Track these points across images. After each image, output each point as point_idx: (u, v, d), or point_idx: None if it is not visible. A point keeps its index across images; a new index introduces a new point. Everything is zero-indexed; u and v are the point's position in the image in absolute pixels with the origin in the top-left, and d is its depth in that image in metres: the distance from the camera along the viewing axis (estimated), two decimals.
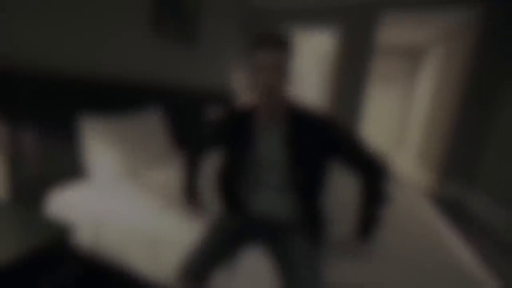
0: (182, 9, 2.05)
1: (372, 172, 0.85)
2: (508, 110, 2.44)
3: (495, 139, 2.57)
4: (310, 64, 5.03)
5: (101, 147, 1.30)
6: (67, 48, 1.31)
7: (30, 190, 1.16)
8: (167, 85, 1.98)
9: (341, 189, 1.35)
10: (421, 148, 4.10)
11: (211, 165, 1.18)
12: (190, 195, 1.09)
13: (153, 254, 1.00)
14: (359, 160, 0.86)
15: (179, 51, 2.16)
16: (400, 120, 5.38)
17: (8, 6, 1.04)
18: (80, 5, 1.33)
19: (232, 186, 0.97)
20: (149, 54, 1.85)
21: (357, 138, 0.89)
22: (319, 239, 0.88)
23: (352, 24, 3.09)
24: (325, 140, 0.86)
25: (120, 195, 1.17)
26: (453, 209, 2.66)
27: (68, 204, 1.15)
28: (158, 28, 1.86)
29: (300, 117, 0.89)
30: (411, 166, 4.34)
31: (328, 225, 0.93)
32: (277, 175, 0.90)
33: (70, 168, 1.31)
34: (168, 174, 1.46)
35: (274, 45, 0.81)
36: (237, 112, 0.99)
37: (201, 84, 2.53)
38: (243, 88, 3.41)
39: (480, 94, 2.71)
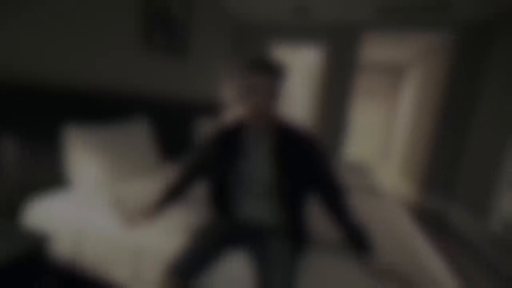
0: (172, 23, 2.09)
1: (336, 190, 0.94)
2: (483, 123, 2.59)
3: (471, 152, 2.72)
4: (297, 79, 5.16)
5: (85, 156, 1.28)
6: (55, 59, 1.30)
7: (11, 200, 1.14)
8: (155, 96, 2.00)
9: None
10: (403, 161, 4.24)
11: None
12: (158, 206, 1.08)
13: (134, 264, 0.99)
14: (327, 178, 0.95)
15: (168, 64, 2.19)
16: (384, 133, 5.56)
17: None
18: (68, 16, 1.33)
19: (222, 195, 1.03)
20: (138, 66, 1.86)
21: (329, 158, 1.00)
22: (299, 245, 0.93)
23: (336, 42, 3.24)
24: (307, 155, 0.95)
25: (101, 206, 1.16)
26: (434, 220, 2.76)
27: (48, 214, 1.13)
28: (148, 41, 1.88)
29: (287, 133, 0.97)
30: (394, 178, 4.47)
31: (309, 234, 0.99)
32: (263, 184, 0.97)
33: (52, 179, 1.29)
34: (152, 185, 1.44)
35: (268, 72, 0.87)
36: (227, 128, 1.05)
37: (189, 96, 2.56)
38: (232, 99, 3.46)
39: (457, 109, 2.89)
